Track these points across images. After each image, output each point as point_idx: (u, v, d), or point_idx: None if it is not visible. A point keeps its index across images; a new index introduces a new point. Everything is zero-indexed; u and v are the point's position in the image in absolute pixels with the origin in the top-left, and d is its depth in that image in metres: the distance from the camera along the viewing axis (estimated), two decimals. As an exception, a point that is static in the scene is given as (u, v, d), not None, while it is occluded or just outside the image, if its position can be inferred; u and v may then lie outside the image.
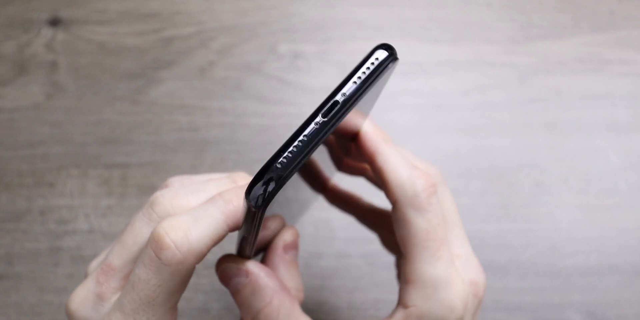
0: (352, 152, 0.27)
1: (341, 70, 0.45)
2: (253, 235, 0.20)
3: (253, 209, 0.17)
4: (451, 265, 0.23)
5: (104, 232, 0.40)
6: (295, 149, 0.17)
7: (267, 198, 0.17)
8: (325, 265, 0.39)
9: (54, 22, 0.47)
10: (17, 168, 0.42)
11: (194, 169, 0.42)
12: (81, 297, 0.22)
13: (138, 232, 0.22)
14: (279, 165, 0.17)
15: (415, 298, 0.23)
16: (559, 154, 0.43)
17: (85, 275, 0.24)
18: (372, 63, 0.17)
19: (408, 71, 0.45)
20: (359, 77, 0.17)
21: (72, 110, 0.44)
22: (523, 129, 0.43)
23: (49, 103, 0.44)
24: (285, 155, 0.17)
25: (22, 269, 0.39)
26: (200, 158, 0.42)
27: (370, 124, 0.24)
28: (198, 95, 0.44)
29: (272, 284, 0.23)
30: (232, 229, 0.22)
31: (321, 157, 0.23)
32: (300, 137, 0.17)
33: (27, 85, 0.45)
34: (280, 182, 0.16)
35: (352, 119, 0.20)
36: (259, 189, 0.17)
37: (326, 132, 0.17)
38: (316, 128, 0.17)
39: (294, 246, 0.26)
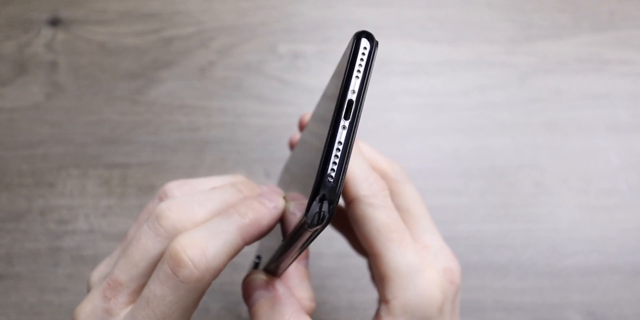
0: None
1: (341, 70, 0.45)
2: (297, 252, 0.20)
3: (312, 227, 0.17)
4: (418, 253, 0.24)
5: (104, 232, 0.40)
6: (336, 159, 0.17)
7: (331, 211, 0.17)
8: (325, 265, 0.39)
9: (54, 22, 0.47)
10: (17, 168, 0.42)
11: (194, 169, 0.42)
12: (88, 312, 0.22)
13: (145, 247, 0.21)
14: (330, 179, 0.17)
15: (394, 290, 0.23)
16: (559, 154, 0.43)
17: (88, 288, 0.23)
18: (363, 53, 0.18)
19: (408, 71, 0.45)
20: (359, 71, 0.18)
21: (72, 110, 0.44)
22: (523, 129, 0.43)
23: (49, 103, 0.44)
24: (330, 167, 0.17)
25: (22, 269, 0.39)
26: (200, 158, 0.42)
27: None
28: (198, 95, 0.44)
29: (293, 304, 0.23)
30: (248, 243, 0.21)
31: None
32: (336, 145, 0.17)
33: (27, 85, 0.45)
34: (337, 194, 0.17)
35: None
36: (316, 207, 0.17)
37: (354, 132, 0.17)
38: (346, 131, 0.17)
39: (305, 256, 0.26)
